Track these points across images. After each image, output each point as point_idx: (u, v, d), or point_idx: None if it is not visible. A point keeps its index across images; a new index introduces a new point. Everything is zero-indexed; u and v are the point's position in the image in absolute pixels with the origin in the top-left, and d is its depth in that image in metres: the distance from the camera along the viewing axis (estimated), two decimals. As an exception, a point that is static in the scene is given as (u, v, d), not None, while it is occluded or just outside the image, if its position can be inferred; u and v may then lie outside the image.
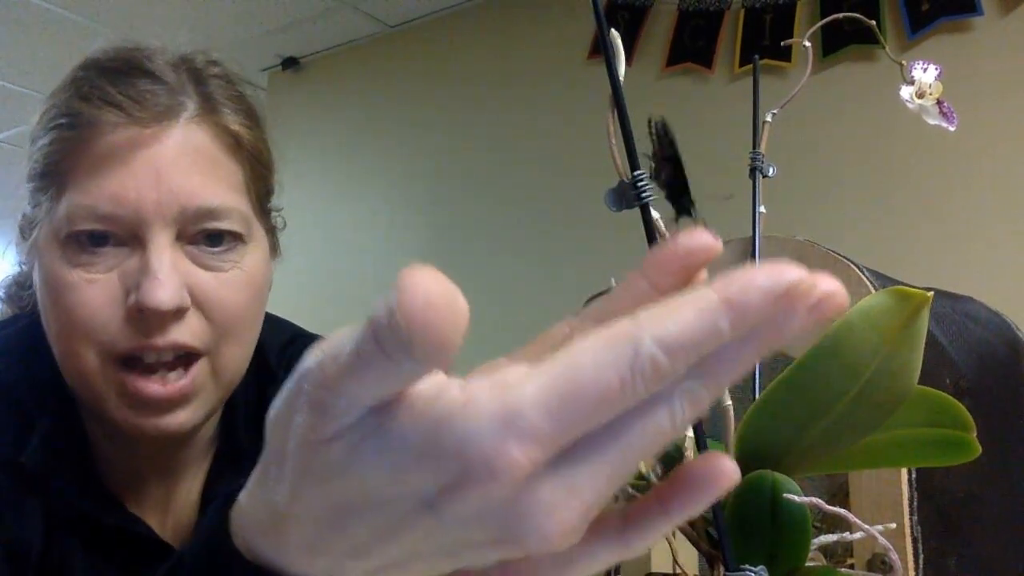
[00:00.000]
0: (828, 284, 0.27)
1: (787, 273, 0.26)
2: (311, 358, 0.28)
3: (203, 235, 0.67)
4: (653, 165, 0.42)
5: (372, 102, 3.04)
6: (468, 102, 2.81)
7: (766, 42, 2.24)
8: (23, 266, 0.76)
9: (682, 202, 0.40)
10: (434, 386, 0.27)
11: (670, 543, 0.54)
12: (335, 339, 0.27)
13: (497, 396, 0.26)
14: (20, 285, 0.78)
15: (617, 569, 0.64)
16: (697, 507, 0.30)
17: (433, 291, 0.25)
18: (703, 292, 0.26)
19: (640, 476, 0.31)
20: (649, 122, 0.42)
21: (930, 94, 0.61)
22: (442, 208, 2.67)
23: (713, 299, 0.26)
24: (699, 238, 0.30)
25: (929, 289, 0.44)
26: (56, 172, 0.67)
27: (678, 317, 0.26)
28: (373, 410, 0.27)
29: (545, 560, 0.33)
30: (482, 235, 2.66)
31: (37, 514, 0.67)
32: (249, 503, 0.31)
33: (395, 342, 0.25)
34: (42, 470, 0.68)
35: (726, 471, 0.30)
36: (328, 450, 0.28)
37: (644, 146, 0.42)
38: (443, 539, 0.28)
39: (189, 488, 0.76)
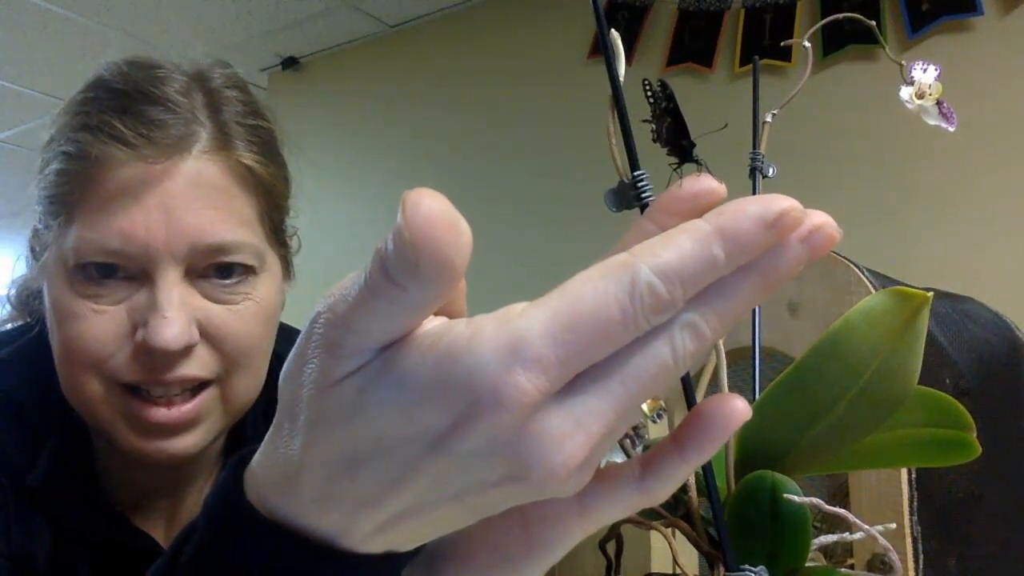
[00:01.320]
0: (819, 217, 0.28)
1: (777, 201, 0.27)
2: (321, 302, 0.28)
3: (213, 268, 0.66)
4: (653, 127, 0.42)
5: (372, 102, 3.04)
6: (468, 102, 2.80)
7: (766, 42, 2.24)
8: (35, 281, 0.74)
9: (683, 147, 0.40)
10: (440, 324, 0.28)
11: (670, 543, 0.54)
12: (344, 282, 0.28)
13: (502, 328, 0.27)
14: (32, 293, 0.76)
15: (617, 569, 0.64)
16: (711, 447, 0.31)
17: (434, 208, 0.26)
18: (696, 223, 0.27)
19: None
20: (644, 83, 0.42)
21: (930, 94, 0.61)
22: (442, 208, 2.66)
23: (706, 228, 0.27)
24: (704, 182, 0.31)
25: (929, 289, 0.44)
26: (65, 201, 0.66)
27: (673, 246, 0.27)
28: (382, 350, 0.28)
29: (564, 506, 0.33)
30: (482, 235, 2.65)
31: (44, 530, 0.67)
32: (262, 463, 0.31)
33: (401, 264, 0.26)
34: (49, 488, 0.67)
35: (738, 409, 0.30)
36: (339, 393, 0.28)
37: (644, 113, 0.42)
38: (451, 482, 0.28)
39: (196, 501, 0.75)
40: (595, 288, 0.26)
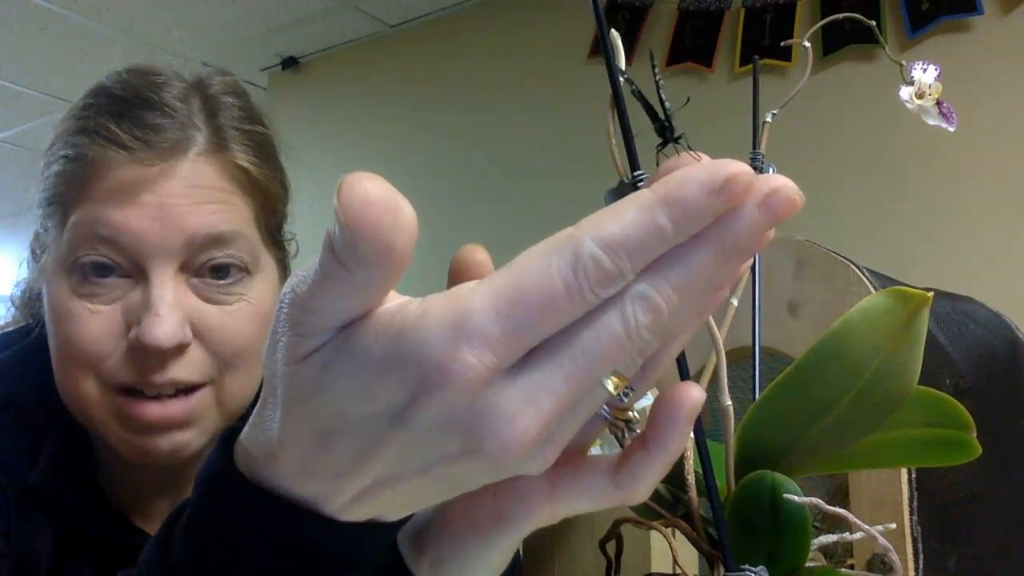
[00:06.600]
0: (777, 180, 0.27)
1: (725, 167, 0.26)
2: (287, 283, 0.29)
3: (208, 267, 0.66)
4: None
5: (372, 102, 3.04)
6: (468, 102, 2.80)
7: (766, 42, 2.24)
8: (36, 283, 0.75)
9: (659, 130, 0.40)
10: (397, 303, 0.28)
11: (670, 543, 0.54)
12: (307, 263, 0.28)
13: (449, 305, 0.27)
14: (35, 295, 0.76)
15: (617, 569, 0.64)
16: (671, 439, 0.31)
17: (370, 190, 0.26)
18: (642, 192, 0.27)
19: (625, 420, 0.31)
20: (628, 80, 0.42)
21: (930, 94, 0.61)
22: (442, 209, 2.67)
23: (650, 197, 0.27)
24: (682, 161, 0.30)
25: (929, 289, 0.44)
26: (62, 203, 0.66)
27: (617, 217, 0.26)
28: (342, 329, 0.28)
29: (533, 484, 0.34)
30: (482, 236, 2.66)
31: (46, 530, 0.67)
32: (248, 435, 0.32)
33: (344, 247, 0.26)
34: (49, 488, 0.67)
35: (690, 394, 0.30)
36: (305, 370, 0.29)
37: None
38: (415, 455, 0.29)
39: None
40: (539, 263, 0.27)
